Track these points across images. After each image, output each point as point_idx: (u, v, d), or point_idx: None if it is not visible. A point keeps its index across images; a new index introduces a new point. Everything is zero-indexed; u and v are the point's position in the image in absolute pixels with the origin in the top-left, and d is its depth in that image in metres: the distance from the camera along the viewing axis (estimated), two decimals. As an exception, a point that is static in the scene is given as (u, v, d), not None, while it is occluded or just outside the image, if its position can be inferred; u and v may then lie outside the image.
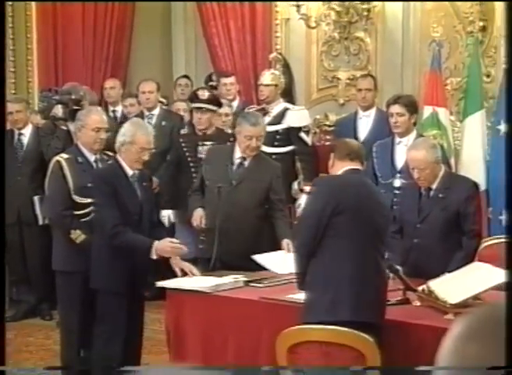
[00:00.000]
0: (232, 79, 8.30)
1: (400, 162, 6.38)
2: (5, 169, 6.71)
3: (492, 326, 1.13)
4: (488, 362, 1.10)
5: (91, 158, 5.61)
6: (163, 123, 7.96)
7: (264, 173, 5.85)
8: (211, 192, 5.88)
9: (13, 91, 8.45)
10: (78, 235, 5.55)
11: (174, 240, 5.29)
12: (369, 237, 4.27)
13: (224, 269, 5.45)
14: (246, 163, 5.87)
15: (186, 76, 8.96)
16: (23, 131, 7.48)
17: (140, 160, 5.18)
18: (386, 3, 7.83)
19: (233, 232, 5.67)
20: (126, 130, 5.26)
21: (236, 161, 5.88)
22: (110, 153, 6.62)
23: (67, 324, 5.63)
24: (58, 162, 5.67)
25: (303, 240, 4.36)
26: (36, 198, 7.30)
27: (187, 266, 5.27)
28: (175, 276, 5.28)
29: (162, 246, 5.10)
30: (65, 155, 5.74)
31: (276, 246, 5.77)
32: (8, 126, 7.51)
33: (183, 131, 7.57)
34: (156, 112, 8.09)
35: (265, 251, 5.70)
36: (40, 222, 7.31)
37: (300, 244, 4.41)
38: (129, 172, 5.19)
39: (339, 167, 4.44)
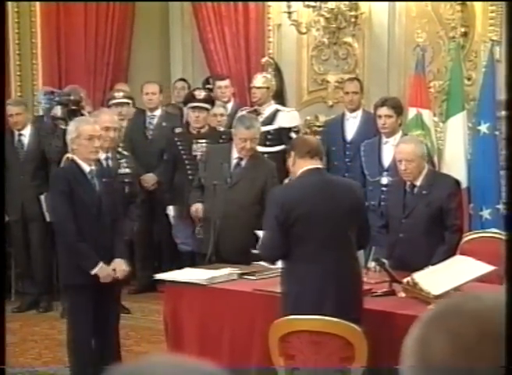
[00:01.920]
0: (226, 82, 8.29)
1: (386, 161, 6.39)
2: (6, 169, 6.69)
3: (451, 316, 1.15)
4: (447, 349, 1.11)
5: (102, 156, 5.55)
6: (164, 123, 7.95)
7: (260, 173, 5.86)
8: (208, 190, 5.88)
9: (19, 94, 8.43)
10: None
11: (118, 268, 5.14)
12: (329, 239, 4.19)
13: (220, 263, 5.46)
14: (243, 163, 5.89)
15: (183, 80, 8.95)
16: (22, 132, 7.42)
17: (94, 149, 5.09)
18: (373, 10, 7.83)
19: (230, 229, 5.69)
20: (70, 129, 5.21)
21: (234, 161, 5.89)
22: (125, 152, 6.60)
23: None
24: (68, 159, 5.66)
25: (271, 248, 4.37)
26: (42, 197, 7.24)
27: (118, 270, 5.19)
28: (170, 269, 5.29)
29: (104, 274, 5.03)
30: None
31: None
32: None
33: (177, 130, 7.58)
34: (158, 113, 8.08)
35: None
36: (48, 219, 7.27)
37: (270, 251, 4.42)
38: (86, 168, 5.08)
39: (300, 166, 4.32)
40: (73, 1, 8.55)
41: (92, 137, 5.08)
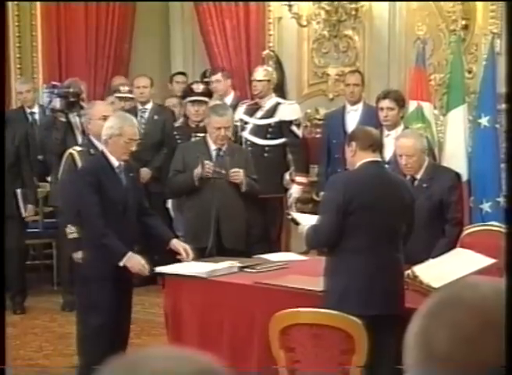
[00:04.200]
0: (218, 76, 8.14)
1: (388, 154, 6.37)
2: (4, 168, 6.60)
3: (451, 307, 1.16)
4: (449, 341, 1.12)
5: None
6: (155, 117, 7.91)
7: (240, 159, 5.99)
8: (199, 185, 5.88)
9: (19, 88, 8.42)
10: (71, 232, 5.47)
11: (144, 263, 5.01)
12: (383, 232, 4.17)
13: (223, 254, 5.47)
14: (222, 153, 5.93)
15: (182, 73, 8.92)
16: None
17: (128, 151, 5.03)
18: (373, 3, 7.82)
19: (228, 219, 5.75)
20: (113, 124, 5.07)
21: (213, 152, 5.93)
22: None
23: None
24: (71, 154, 5.62)
25: (325, 233, 4.23)
26: (19, 191, 7.11)
27: (187, 248, 5.22)
28: (170, 262, 5.28)
29: (133, 262, 4.96)
30: (78, 148, 5.70)
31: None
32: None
33: (176, 124, 7.57)
34: (149, 106, 8.03)
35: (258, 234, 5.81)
36: (23, 214, 7.15)
37: (323, 236, 4.27)
38: (115, 163, 5.03)
39: (360, 158, 4.25)
40: (74, 1, 8.53)
41: (131, 141, 5.02)
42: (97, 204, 4.94)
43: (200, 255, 5.55)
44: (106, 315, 5.02)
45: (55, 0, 8.52)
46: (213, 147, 5.92)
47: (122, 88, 8.00)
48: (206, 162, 5.82)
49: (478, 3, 7.27)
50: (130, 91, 7.97)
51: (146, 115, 7.97)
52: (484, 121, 6.49)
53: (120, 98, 7.94)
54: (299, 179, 7.56)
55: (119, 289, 5.05)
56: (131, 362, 1.10)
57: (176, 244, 5.25)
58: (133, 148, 5.09)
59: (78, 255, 5.35)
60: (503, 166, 6.30)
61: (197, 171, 5.82)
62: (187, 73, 8.95)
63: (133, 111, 7.98)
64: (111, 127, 5.06)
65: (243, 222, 5.91)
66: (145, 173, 7.67)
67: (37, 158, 7.50)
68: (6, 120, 7.20)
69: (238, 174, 5.82)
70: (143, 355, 1.11)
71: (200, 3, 8.79)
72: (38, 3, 8.52)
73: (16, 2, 8.34)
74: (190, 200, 6.02)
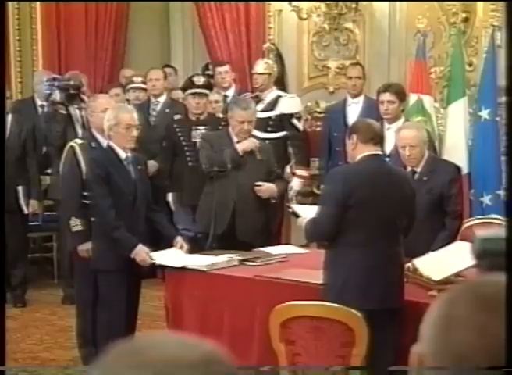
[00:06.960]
0: (226, 67, 8.22)
1: (388, 147, 6.36)
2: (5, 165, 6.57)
3: (479, 282, 1.22)
4: (470, 306, 1.15)
5: (104, 142, 5.38)
6: (167, 110, 7.88)
7: (263, 153, 5.91)
8: (215, 176, 5.85)
9: (19, 80, 8.41)
10: (75, 224, 5.42)
11: (151, 254, 5.04)
12: (383, 226, 4.15)
13: (224, 248, 5.45)
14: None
15: (169, 66, 8.88)
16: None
17: (131, 138, 5.07)
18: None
19: (247, 212, 5.73)
20: (109, 116, 5.14)
21: (236, 145, 5.90)
22: None
23: (82, 297, 5.56)
24: (72, 147, 5.60)
25: (323, 226, 4.22)
26: (20, 188, 7.06)
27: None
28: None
29: (140, 255, 4.99)
30: (79, 141, 5.68)
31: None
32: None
33: (176, 117, 7.54)
34: (162, 99, 8.02)
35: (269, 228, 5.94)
36: (25, 211, 7.13)
37: (322, 230, 4.25)
38: (123, 155, 5.07)
39: (361, 151, 4.21)
40: (74, 1, 8.51)
41: (130, 126, 5.06)
42: (107, 196, 4.99)
43: (203, 245, 5.57)
44: (116, 308, 5.04)
45: (55, 0, 8.50)
46: (235, 139, 5.89)
47: (135, 79, 7.99)
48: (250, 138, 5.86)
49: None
50: (144, 82, 7.95)
51: (158, 108, 7.96)
52: (484, 114, 6.49)
53: (134, 89, 7.92)
54: (299, 172, 7.56)
55: (129, 281, 5.07)
56: (136, 348, 1.10)
57: (181, 242, 5.25)
58: (135, 134, 5.11)
59: (84, 247, 5.34)
60: (503, 158, 6.29)
61: (242, 146, 5.80)
62: (188, 67, 8.93)
63: (146, 103, 7.98)
64: (108, 120, 5.12)
65: (260, 217, 5.84)
66: (151, 165, 7.62)
67: (41, 152, 7.49)
68: (14, 111, 7.20)
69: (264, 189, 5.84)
70: (148, 342, 1.11)
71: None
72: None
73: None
74: (209, 186, 5.93)
